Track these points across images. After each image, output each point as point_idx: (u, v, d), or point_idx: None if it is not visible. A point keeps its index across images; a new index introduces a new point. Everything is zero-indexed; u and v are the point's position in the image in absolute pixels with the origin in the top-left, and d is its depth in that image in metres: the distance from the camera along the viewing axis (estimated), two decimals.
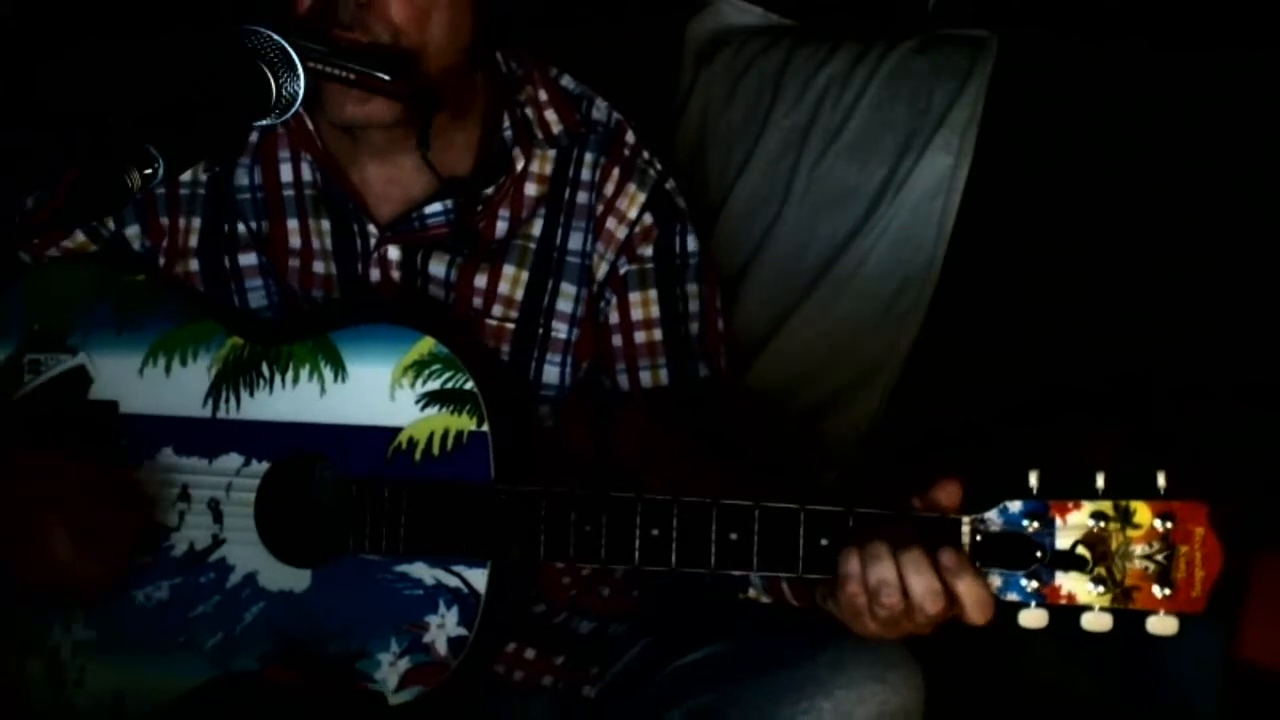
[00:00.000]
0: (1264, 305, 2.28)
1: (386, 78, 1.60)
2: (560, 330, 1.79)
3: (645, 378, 1.80)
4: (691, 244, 1.83)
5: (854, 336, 2.43)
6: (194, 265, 1.79)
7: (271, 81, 1.50)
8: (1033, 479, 1.43)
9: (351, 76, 1.58)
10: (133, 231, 1.80)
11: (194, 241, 1.79)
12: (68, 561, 1.60)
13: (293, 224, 1.78)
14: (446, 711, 1.66)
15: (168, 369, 1.71)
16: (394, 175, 1.77)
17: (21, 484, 1.63)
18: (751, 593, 1.64)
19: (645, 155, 1.83)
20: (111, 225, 1.80)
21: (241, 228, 1.79)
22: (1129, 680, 2.02)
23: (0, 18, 2.52)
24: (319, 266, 1.78)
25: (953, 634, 1.49)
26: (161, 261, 1.80)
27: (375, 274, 1.76)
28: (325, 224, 1.77)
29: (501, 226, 1.78)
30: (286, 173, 1.79)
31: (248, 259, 1.79)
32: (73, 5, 2.51)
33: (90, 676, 1.69)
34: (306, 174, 1.78)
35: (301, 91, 1.53)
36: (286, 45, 1.51)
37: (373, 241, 1.76)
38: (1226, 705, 1.96)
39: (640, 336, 1.80)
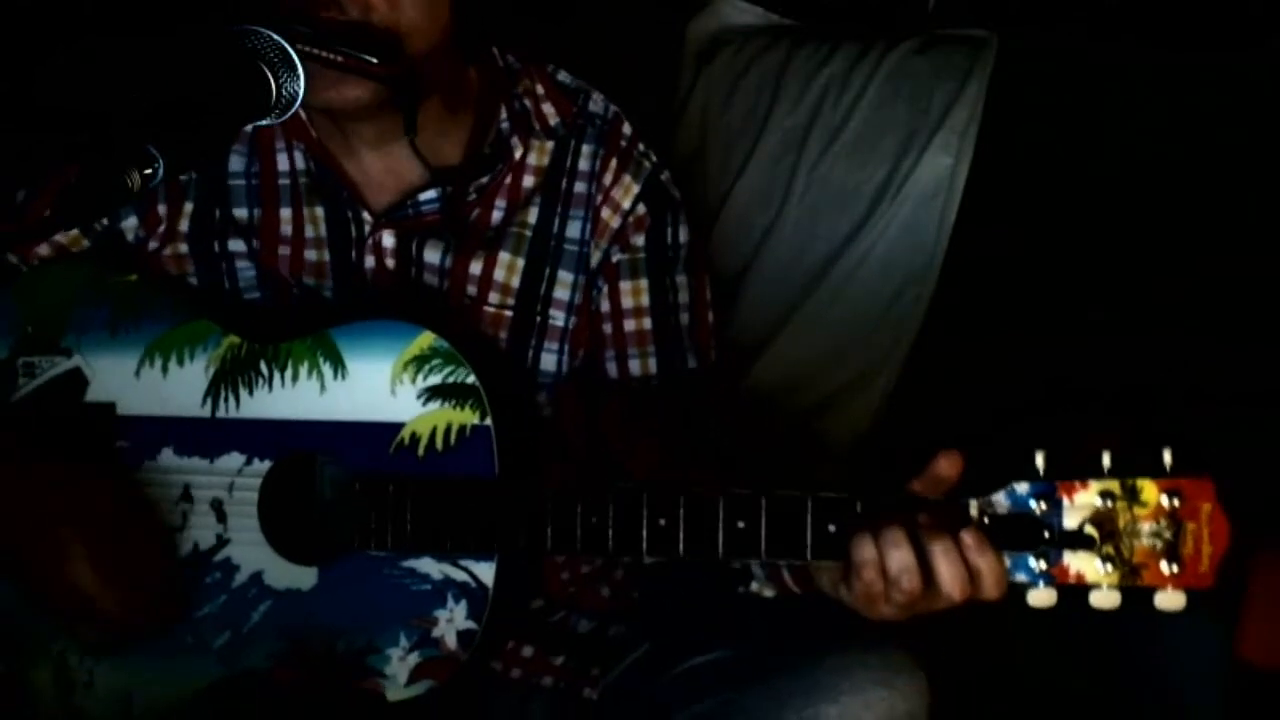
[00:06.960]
0: (1265, 305, 2.28)
1: (374, 60, 1.60)
2: (558, 318, 1.80)
3: (634, 366, 1.82)
4: (683, 235, 1.84)
5: (854, 336, 2.43)
6: (184, 248, 1.80)
7: (271, 81, 1.50)
8: (1039, 460, 1.43)
9: (339, 59, 1.58)
10: (130, 224, 1.80)
11: (185, 226, 1.80)
12: (97, 593, 1.60)
13: (286, 212, 1.79)
14: (447, 710, 1.66)
15: (165, 369, 1.70)
16: (391, 164, 1.78)
17: (31, 499, 1.62)
18: (754, 586, 1.64)
19: (641, 146, 1.85)
20: (105, 220, 1.80)
21: (233, 213, 1.79)
22: (1128, 680, 2.02)
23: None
24: (311, 254, 1.79)
25: (953, 634, 1.49)
26: (154, 246, 1.80)
27: (370, 261, 1.77)
28: (319, 211, 1.78)
29: (497, 215, 1.79)
30: (283, 161, 1.79)
31: (237, 244, 1.79)
32: (73, 5, 2.51)
33: (100, 678, 1.69)
34: (300, 163, 1.79)
35: (301, 91, 1.53)
36: (286, 45, 1.51)
37: (367, 228, 1.77)
38: (1226, 705, 1.96)
39: (630, 325, 1.81)
